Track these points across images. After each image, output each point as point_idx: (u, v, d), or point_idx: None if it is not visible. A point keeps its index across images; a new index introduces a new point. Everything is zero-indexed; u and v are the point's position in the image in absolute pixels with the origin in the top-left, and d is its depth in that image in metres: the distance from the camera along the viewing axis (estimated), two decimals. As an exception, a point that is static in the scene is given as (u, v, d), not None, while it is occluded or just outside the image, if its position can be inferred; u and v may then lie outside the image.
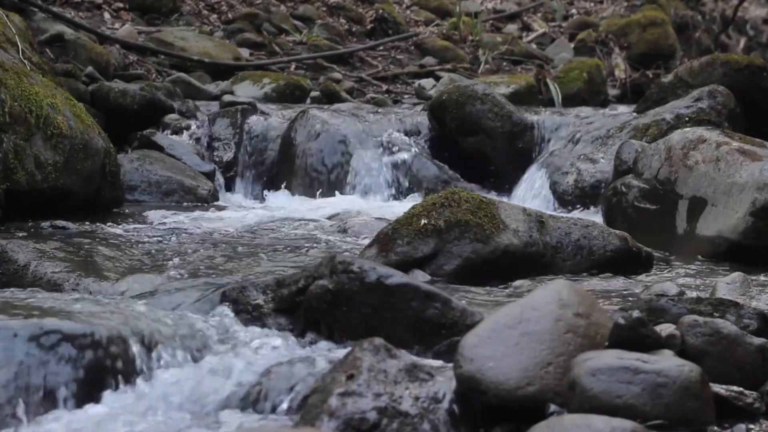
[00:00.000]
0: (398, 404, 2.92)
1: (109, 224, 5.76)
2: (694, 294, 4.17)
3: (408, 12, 11.55)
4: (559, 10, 12.05)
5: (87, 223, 5.70)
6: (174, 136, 7.39)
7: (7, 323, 3.19)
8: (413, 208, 4.71)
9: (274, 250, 5.12)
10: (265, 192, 7.31)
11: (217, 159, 7.37)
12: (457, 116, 7.36)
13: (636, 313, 3.09)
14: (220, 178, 7.28)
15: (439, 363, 3.28)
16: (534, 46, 11.13)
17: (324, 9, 10.98)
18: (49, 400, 3.09)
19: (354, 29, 10.81)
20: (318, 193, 7.15)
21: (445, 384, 3.02)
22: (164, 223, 5.82)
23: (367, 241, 4.85)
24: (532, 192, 6.99)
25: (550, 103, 9.21)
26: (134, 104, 7.48)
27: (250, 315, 3.61)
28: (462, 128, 7.36)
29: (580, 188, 6.70)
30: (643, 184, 5.70)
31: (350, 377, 2.95)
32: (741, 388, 3.09)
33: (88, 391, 3.14)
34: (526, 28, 11.74)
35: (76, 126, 6.05)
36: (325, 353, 3.37)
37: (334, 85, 9.11)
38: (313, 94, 8.98)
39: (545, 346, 3.01)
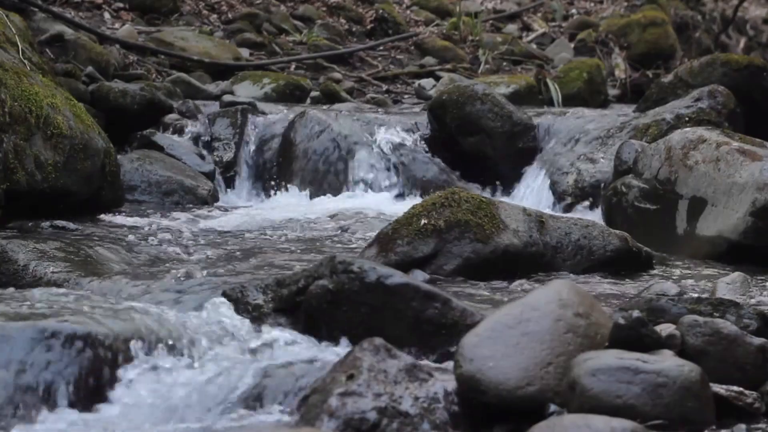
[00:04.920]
0: (398, 404, 2.92)
1: (109, 224, 5.76)
2: (694, 294, 4.17)
3: (408, 12, 11.54)
4: (559, 10, 12.04)
5: (87, 223, 5.70)
6: (174, 136, 7.39)
7: (6, 323, 3.19)
8: (413, 208, 4.71)
9: (274, 250, 5.12)
10: (265, 192, 7.31)
11: (217, 159, 7.36)
12: (457, 116, 7.35)
13: (636, 313, 3.10)
14: (220, 178, 7.28)
15: (439, 363, 3.28)
16: (534, 46, 11.13)
17: (324, 9, 10.98)
18: (48, 401, 3.08)
19: (354, 29, 10.80)
20: (318, 193, 7.15)
21: (445, 384, 3.02)
22: (164, 224, 5.82)
23: (367, 241, 4.85)
24: (531, 192, 6.98)
25: (550, 103, 9.20)
26: (134, 104, 7.47)
27: (250, 315, 3.61)
28: (462, 128, 7.35)
29: (580, 188, 6.69)
30: (643, 184, 5.70)
31: (350, 377, 2.96)
32: (741, 388, 3.09)
33: (85, 392, 3.14)
34: (526, 28, 11.74)
35: (76, 126, 6.05)
36: (325, 353, 3.37)
37: (334, 85, 9.10)
38: (313, 94, 8.98)
39: (545, 346, 3.01)
